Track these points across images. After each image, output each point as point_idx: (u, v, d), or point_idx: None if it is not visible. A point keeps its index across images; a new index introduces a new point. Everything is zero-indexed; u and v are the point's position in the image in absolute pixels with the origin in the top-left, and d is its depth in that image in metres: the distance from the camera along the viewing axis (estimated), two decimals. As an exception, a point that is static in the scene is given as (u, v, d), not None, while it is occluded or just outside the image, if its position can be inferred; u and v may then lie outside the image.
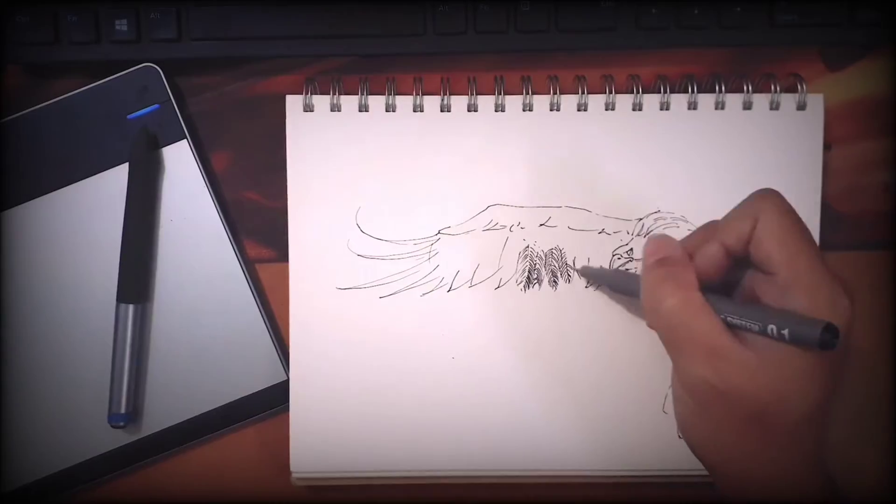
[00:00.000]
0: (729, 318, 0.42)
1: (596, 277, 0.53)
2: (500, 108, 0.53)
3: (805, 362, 0.40)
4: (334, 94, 0.53)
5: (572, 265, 0.53)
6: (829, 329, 0.39)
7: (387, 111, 0.53)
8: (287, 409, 0.53)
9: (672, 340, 0.43)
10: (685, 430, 0.44)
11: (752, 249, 0.43)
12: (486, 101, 0.53)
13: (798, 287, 0.41)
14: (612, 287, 0.53)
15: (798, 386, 0.40)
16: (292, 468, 0.53)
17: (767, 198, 0.43)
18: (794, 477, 0.43)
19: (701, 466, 0.53)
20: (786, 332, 0.40)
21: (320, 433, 0.53)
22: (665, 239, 0.46)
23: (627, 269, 0.53)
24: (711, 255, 0.44)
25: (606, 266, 0.53)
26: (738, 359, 0.41)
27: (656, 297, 0.43)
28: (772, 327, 0.40)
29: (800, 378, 0.40)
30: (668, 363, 0.53)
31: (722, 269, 0.44)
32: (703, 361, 0.41)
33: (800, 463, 0.42)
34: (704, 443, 0.44)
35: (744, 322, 0.41)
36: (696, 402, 0.42)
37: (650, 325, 0.44)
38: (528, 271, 0.53)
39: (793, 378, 0.40)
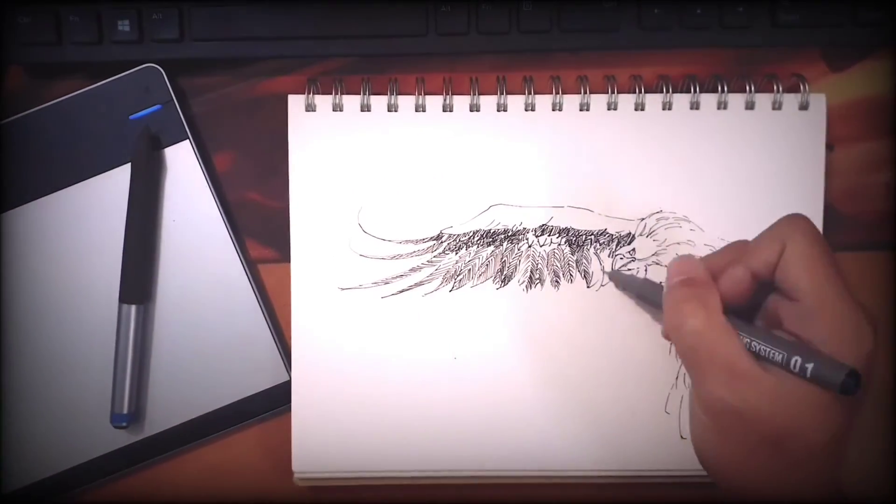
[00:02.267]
0: (753, 344, 0.41)
1: (625, 284, 0.53)
2: (502, 108, 0.53)
3: (825, 396, 0.40)
4: (336, 93, 0.53)
5: (574, 266, 0.53)
6: (852, 375, 0.38)
7: (389, 111, 0.53)
8: (289, 409, 0.53)
9: (693, 360, 0.43)
10: (701, 449, 0.44)
11: (779, 275, 0.43)
12: (488, 101, 0.53)
13: (822, 317, 0.41)
14: (640, 296, 0.53)
15: (816, 416, 0.40)
16: (294, 468, 0.53)
17: (797, 223, 0.43)
18: (809, 498, 0.42)
19: (701, 467, 0.53)
20: (809, 367, 0.40)
21: (322, 433, 0.53)
22: (690, 260, 0.46)
23: (657, 281, 0.53)
24: (737, 278, 0.44)
25: (612, 268, 0.53)
26: (758, 382, 0.41)
27: (679, 317, 0.43)
28: (796, 359, 0.40)
29: (819, 409, 0.40)
30: (669, 364, 0.53)
31: (747, 293, 0.44)
32: (723, 383, 0.41)
33: (815, 485, 0.42)
34: (719, 462, 0.44)
35: (767, 350, 0.41)
36: (713, 422, 0.42)
37: (667, 338, 0.44)
38: (531, 271, 0.53)
39: (812, 408, 0.40)
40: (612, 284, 0.53)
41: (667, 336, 0.44)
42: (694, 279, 0.44)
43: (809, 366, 0.40)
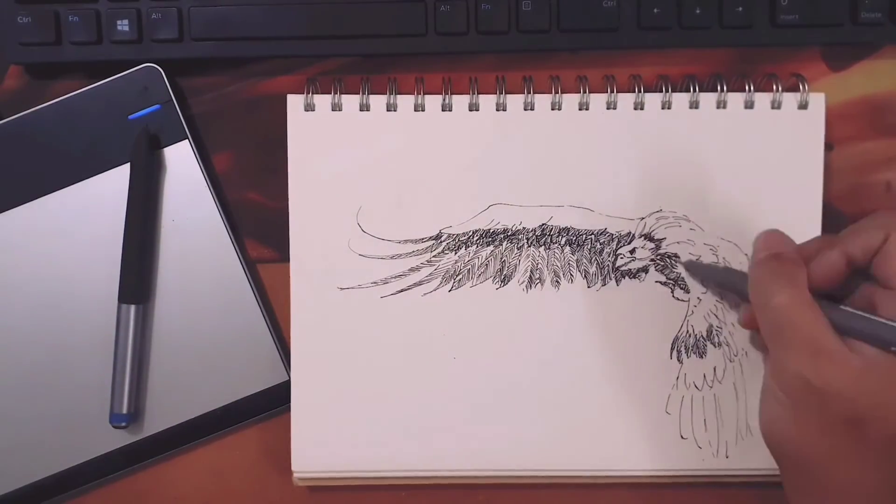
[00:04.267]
0: (847, 321, 0.41)
1: (704, 274, 0.53)
2: (501, 107, 0.53)
3: None
4: (335, 93, 0.53)
5: (574, 265, 0.53)
6: None
7: (388, 110, 0.53)
8: (288, 409, 0.53)
9: (776, 336, 0.42)
10: (770, 428, 0.44)
11: (878, 262, 0.43)
12: (487, 101, 0.53)
13: None
14: (722, 285, 0.52)
15: None
16: (293, 468, 0.53)
17: None
18: (879, 495, 0.42)
19: (704, 466, 0.53)
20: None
21: (321, 433, 0.53)
22: (778, 234, 0.46)
23: (735, 268, 0.53)
24: (832, 261, 0.44)
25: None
26: (842, 361, 0.40)
27: (767, 292, 0.43)
28: (880, 335, 0.40)
29: None
30: (670, 364, 0.53)
31: (838, 278, 0.44)
32: (805, 359, 0.41)
33: (889, 481, 0.42)
34: (790, 442, 0.43)
35: (850, 324, 0.41)
36: (790, 400, 0.42)
37: (746, 325, 0.44)
38: (531, 271, 0.53)
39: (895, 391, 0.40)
40: (612, 284, 0.53)
41: (746, 323, 0.44)
42: (781, 254, 0.44)
43: None
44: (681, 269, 0.53)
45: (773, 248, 0.45)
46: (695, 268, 0.53)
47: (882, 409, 0.40)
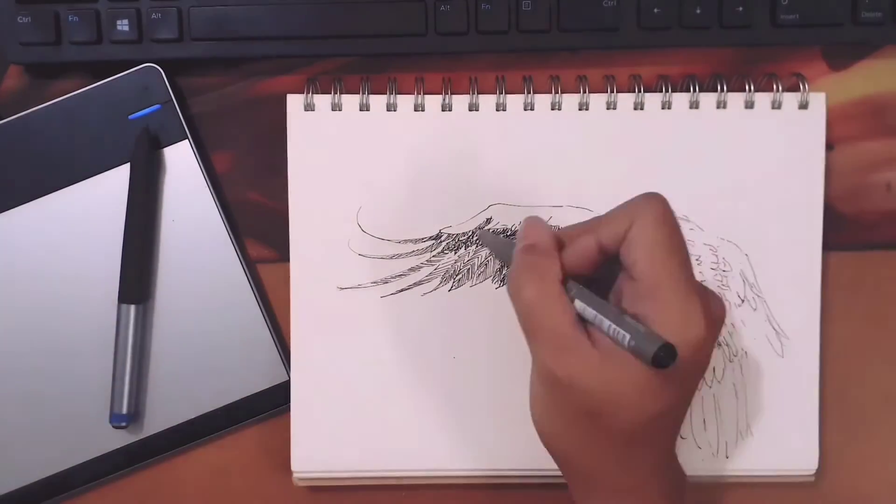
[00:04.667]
0: (585, 309, 0.42)
1: (487, 243, 0.53)
2: (501, 107, 0.53)
3: (640, 374, 0.40)
4: (335, 93, 0.53)
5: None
6: (665, 349, 0.39)
7: (388, 110, 0.53)
8: (288, 409, 0.53)
9: (526, 328, 0.43)
10: (536, 420, 0.45)
11: (623, 250, 0.43)
12: (487, 101, 0.53)
13: (653, 298, 0.41)
14: (498, 257, 0.53)
15: (632, 395, 0.41)
16: (293, 467, 0.53)
17: (649, 202, 0.43)
18: (638, 480, 0.44)
19: (703, 467, 0.53)
20: (626, 339, 0.40)
21: (321, 433, 0.53)
22: (537, 224, 0.46)
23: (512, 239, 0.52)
24: (584, 248, 0.44)
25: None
26: (581, 353, 0.41)
27: (518, 284, 0.43)
28: (615, 329, 0.40)
29: (634, 388, 0.41)
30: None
31: (592, 264, 0.44)
32: (550, 352, 0.42)
33: (642, 466, 0.43)
34: (551, 433, 0.45)
35: (595, 317, 0.42)
36: (544, 391, 0.43)
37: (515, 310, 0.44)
38: (530, 271, 0.53)
39: (627, 385, 0.41)
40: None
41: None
42: (535, 245, 0.44)
43: (626, 336, 0.40)
44: None
45: (530, 238, 0.45)
46: (484, 237, 0.53)
47: (614, 404, 0.41)
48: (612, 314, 0.41)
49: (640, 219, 0.42)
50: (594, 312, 0.42)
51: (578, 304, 0.42)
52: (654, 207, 0.43)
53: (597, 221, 0.45)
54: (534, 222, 0.46)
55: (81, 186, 0.54)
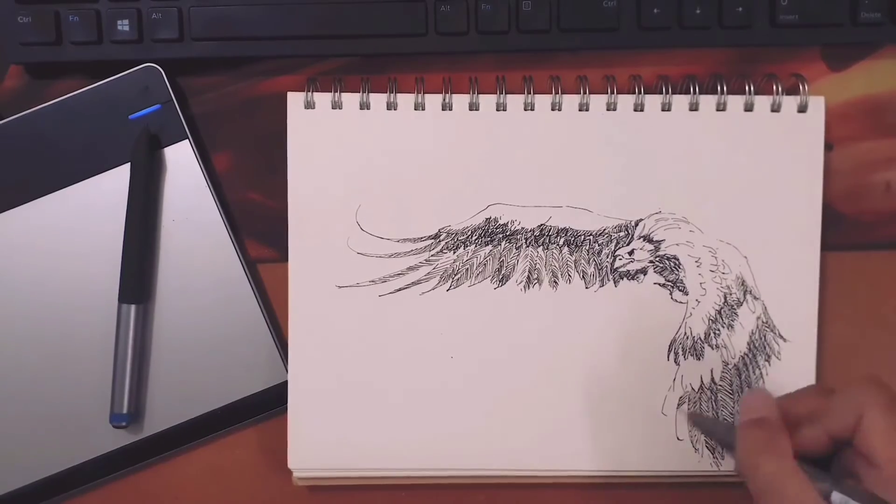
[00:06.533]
0: (833, 493, 0.42)
1: (702, 427, 0.53)
2: (501, 107, 0.53)
3: None
4: (336, 91, 0.53)
5: (573, 266, 0.53)
6: None
7: (388, 109, 0.53)
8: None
9: (765, 502, 0.43)
10: None
11: (859, 441, 0.43)
12: (487, 101, 0.53)
13: None
14: (719, 442, 0.52)
15: None
16: (290, 465, 0.53)
17: (874, 391, 0.43)
18: None
19: (700, 468, 0.54)
20: None
21: (318, 431, 0.53)
22: (762, 397, 0.46)
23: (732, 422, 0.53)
24: (815, 438, 0.44)
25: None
26: None
27: (753, 461, 0.44)
28: None
29: None
30: (666, 366, 0.54)
31: (823, 451, 0.45)
32: None
33: None
34: None
35: (844, 501, 0.42)
36: None
37: (748, 483, 0.44)
38: (529, 271, 0.53)
39: None
40: (610, 285, 0.53)
41: (740, 473, 0.45)
42: (765, 420, 0.45)
43: None
44: (681, 272, 0.53)
45: (757, 411, 0.45)
46: (694, 419, 0.53)
47: None
48: (857, 492, 0.41)
49: (871, 409, 0.43)
50: (835, 489, 0.42)
51: (816, 481, 0.42)
52: (880, 394, 0.43)
53: (816, 401, 0.45)
54: (758, 393, 0.47)
55: (81, 186, 0.54)
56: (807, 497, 0.42)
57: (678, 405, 0.54)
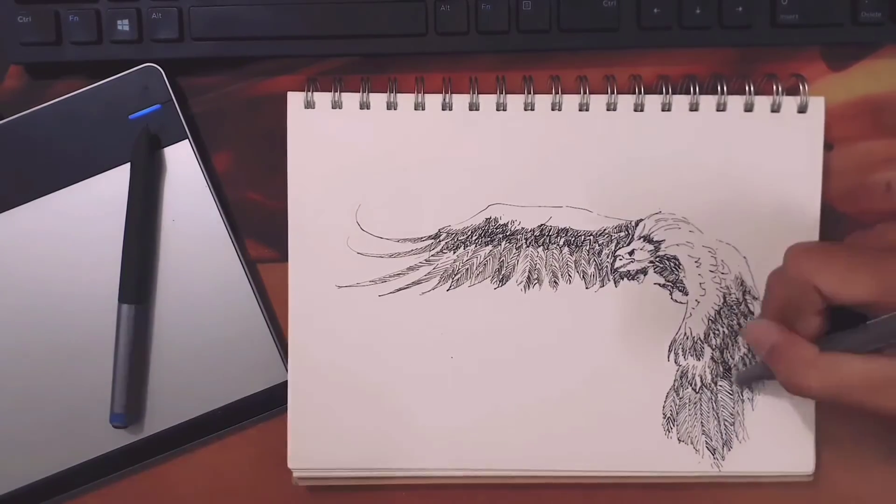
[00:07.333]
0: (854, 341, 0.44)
1: (745, 381, 0.54)
2: (501, 107, 0.53)
3: None
4: (336, 91, 0.53)
5: (573, 266, 0.53)
6: None
7: (388, 109, 0.53)
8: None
9: (849, 405, 0.45)
10: None
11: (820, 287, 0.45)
12: (487, 100, 0.53)
13: None
14: (760, 378, 0.54)
15: None
16: (289, 465, 0.53)
17: (794, 256, 0.47)
18: None
19: (700, 469, 0.54)
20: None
21: (318, 430, 0.53)
22: (760, 326, 0.48)
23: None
24: (812, 323, 0.46)
25: (608, 267, 0.54)
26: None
27: (798, 389, 0.46)
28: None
29: None
30: (666, 366, 0.54)
31: (821, 332, 0.47)
32: (886, 396, 0.44)
33: None
34: None
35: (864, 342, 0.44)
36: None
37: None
38: (529, 271, 0.53)
39: None
40: (610, 285, 0.53)
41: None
42: (775, 346, 0.47)
43: None
44: (681, 272, 0.53)
45: (764, 343, 0.48)
46: (743, 377, 0.54)
47: None
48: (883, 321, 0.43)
49: (808, 264, 0.46)
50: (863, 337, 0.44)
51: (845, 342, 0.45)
52: (800, 250, 0.47)
53: (789, 297, 0.47)
54: (756, 325, 0.49)
55: (81, 186, 0.54)
56: (864, 363, 0.44)
57: (678, 405, 0.54)
